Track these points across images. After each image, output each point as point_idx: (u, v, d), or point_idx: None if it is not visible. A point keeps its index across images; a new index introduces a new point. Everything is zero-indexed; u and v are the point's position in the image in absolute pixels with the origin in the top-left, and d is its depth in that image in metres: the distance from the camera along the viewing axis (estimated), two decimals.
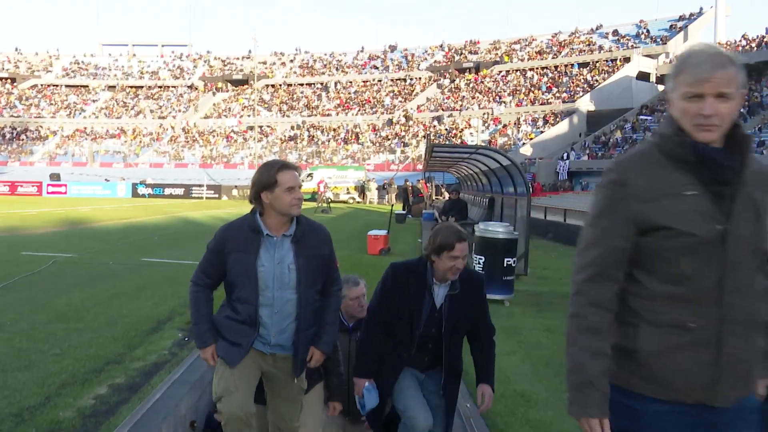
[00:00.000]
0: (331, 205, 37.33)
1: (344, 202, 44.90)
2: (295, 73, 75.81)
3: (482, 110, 57.19)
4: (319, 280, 3.49)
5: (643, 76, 54.09)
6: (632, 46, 56.80)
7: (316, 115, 66.55)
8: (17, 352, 6.05)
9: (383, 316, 3.75)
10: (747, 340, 1.99)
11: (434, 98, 63.49)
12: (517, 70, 62.49)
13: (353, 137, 61.17)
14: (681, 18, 58.30)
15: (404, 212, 30.08)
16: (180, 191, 50.03)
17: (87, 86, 78.42)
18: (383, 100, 66.18)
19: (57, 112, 73.97)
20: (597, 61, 57.07)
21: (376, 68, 72.68)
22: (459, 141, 52.00)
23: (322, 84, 72.66)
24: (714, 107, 1.94)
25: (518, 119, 54.30)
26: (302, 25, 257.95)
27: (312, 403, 3.96)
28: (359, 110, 65.64)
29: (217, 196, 48.69)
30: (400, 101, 65.05)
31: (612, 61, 56.04)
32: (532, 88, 57.98)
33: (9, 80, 78.58)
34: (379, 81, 70.35)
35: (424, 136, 55.43)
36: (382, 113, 63.61)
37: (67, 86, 78.64)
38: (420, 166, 47.79)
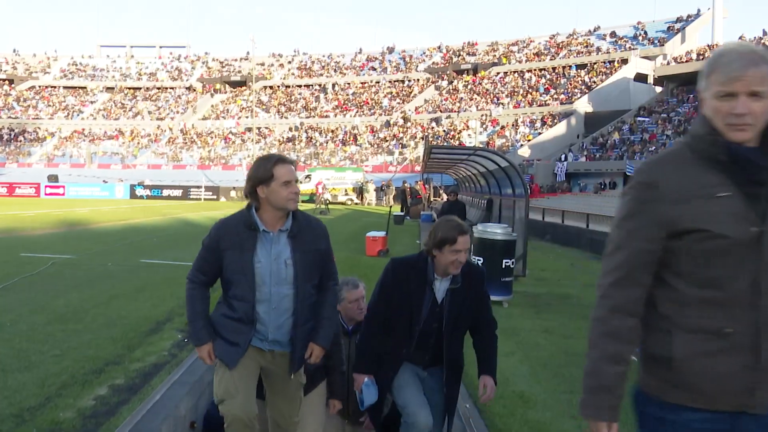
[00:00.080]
0: (330, 206, 37.35)
1: (342, 203, 44.93)
2: (293, 74, 75.85)
3: (480, 112, 57.26)
4: (316, 275, 3.46)
5: (641, 78, 54.20)
6: (630, 47, 56.91)
7: (314, 117, 66.59)
8: (17, 353, 6.05)
9: (383, 313, 3.72)
10: None
11: (432, 100, 63.55)
12: (514, 72, 62.57)
13: (351, 139, 61.21)
14: (678, 20, 58.42)
15: (402, 214, 30.10)
16: (178, 192, 50.06)
17: (85, 87, 78.40)
18: (381, 101, 66.24)
19: (55, 113, 73.94)
20: (595, 63, 57.19)
21: (374, 70, 72.72)
22: (457, 142, 52.05)
23: (320, 85, 72.72)
24: (747, 106, 1.89)
25: (516, 121, 54.38)
26: (300, 26, 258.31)
27: (313, 402, 3.95)
28: (357, 112, 65.69)
29: (215, 197, 48.72)
30: (398, 103, 65.10)
31: (610, 62, 56.14)
32: (530, 90, 58.07)
33: (7, 81, 78.55)
34: (377, 82, 70.41)
35: (422, 138, 55.50)
36: (380, 115, 63.67)
37: (65, 87, 78.62)
38: (418, 168, 47.85)
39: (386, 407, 4.02)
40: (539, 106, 54.86)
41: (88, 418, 4.59)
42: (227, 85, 76.28)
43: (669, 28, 57.74)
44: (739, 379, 1.91)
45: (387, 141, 58.83)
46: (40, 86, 78.83)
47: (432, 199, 33.48)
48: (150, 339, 6.83)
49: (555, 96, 55.24)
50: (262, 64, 77.22)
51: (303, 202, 37.51)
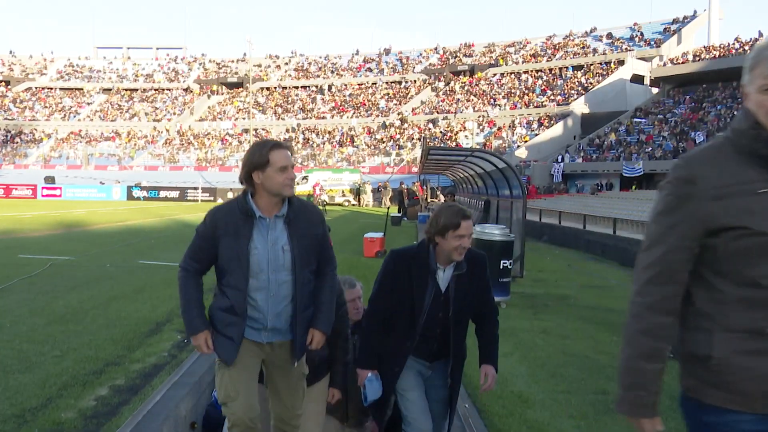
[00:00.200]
0: (327, 207, 37.38)
1: (339, 204, 44.96)
2: (290, 75, 75.84)
3: (477, 113, 57.31)
4: (313, 260, 3.40)
5: (637, 79, 54.32)
6: (626, 49, 57.01)
7: (311, 118, 66.60)
8: (17, 354, 6.08)
9: (385, 306, 3.64)
10: None
11: (429, 101, 63.60)
12: (511, 73, 62.63)
13: (348, 140, 61.23)
14: (675, 21, 58.55)
15: (399, 215, 30.14)
16: (175, 194, 50.06)
17: (81, 89, 78.27)
18: (378, 102, 66.27)
19: (51, 114, 73.82)
20: (591, 64, 57.27)
21: (371, 71, 72.77)
22: (454, 144, 52.09)
23: (317, 87, 72.71)
24: None
25: (513, 122, 54.44)
26: (297, 28, 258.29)
27: (315, 395, 3.90)
28: (354, 113, 65.71)
29: (212, 198, 48.71)
30: (395, 104, 65.14)
31: (606, 63, 56.23)
32: (527, 91, 58.13)
33: (3, 83, 78.39)
34: (374, 84, 70.43)
35: (419, 139, 55.53)
36: (377, 116, 63.70)
37: (61, 89, 78.48)
38: (415, 169, 47.90)
39: (389, 408, 3.98)
40: (536, 107, 54.93)
41: (89, 418, 4.62)
42: (224, 87, 76.21)
43: (665, 29, 57.86)
44: None
45: (384, 142, 58.86)
46: (36, 88, 78.70)
47: (429, 200, 33.50)
48: (150, 340, 6.86)
49: (552, 97, 55.32)
50: (259, 66, 77.18)
51: None
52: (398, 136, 58.79)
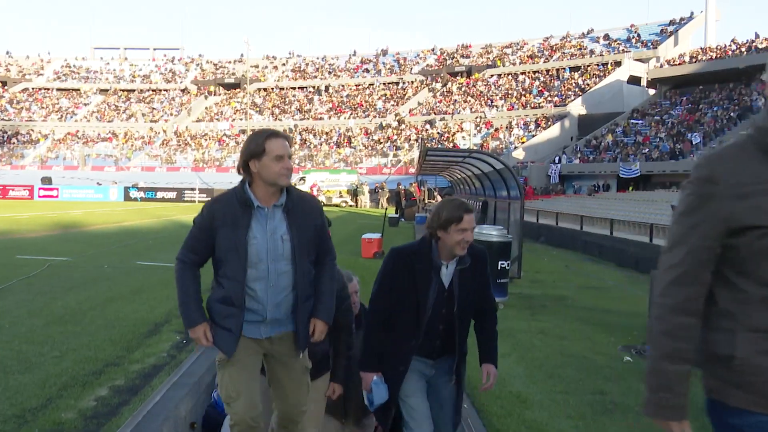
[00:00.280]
0: (324, 208, 37.30)
1: (337, 205, 44.96)
2: (287, 76, 75.82)
3: (474, 114, 57.36)
4: (313, 250, 3.38)
5: (634, 80, 54.38)
6: (623, 50, 57.09)
7: (308, 119, 66.60)
8: (17, 354, 6.10)
9: (387, 305, 3.58)
10: None
11: (426, 102, 63.64)
12: (508, 74, 62.68)
13: (345, 141, 61.25)
14: (671, 22, 58.65)
15: (397, 216, 30.16)
16: (172, 195, 50.02)
17: (78, 90, 78.15)
18: (375, 103, 66.29)
19: (48, 115, 73.70)
20: (588, 65, 57.34)
21: (368, 72, 72.80)
22: (451, 144, 52.13)
23: (314, 88, 72.71)
24: None
25: (510, 123, 54.51)
26: (294, 29, 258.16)
27: (315, 396, 3.86)
28: (351, 114, 65.73)
29: (209, 199, 48.62)
30: (392, 105, 65.16)
31: (603, 65, 56.30)
32: (524, 92, 58.20)
33: (0, 84, 78.26)
34: (371, 85, 70.45)
35: (417, 140, 55.56)
36: (375, 117, 63.72)
37: (58, 90, 78.35)
38: (412, 170, 47.91)
39: (393, 409, 3.89)
40: (533, 108, 54.99)
41: (89, 418, 4.63)
42: (221, 88, 76.14)
43: (662, 30, 57.96)
44: None
45: (381, 143, 58.89)
46: (33, 88, 78.55)
47: (426, 201, 33.55)
48: (148, 341, 6.88)
49: (549, 98, 55.39)
50: (256, 67, 77.18)
51: None
52: (395, 137, 58.82)
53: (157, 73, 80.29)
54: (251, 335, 3.32)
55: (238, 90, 74.61)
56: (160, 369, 5.90)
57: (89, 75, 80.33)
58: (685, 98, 46.90)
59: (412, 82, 68.27)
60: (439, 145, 50.09)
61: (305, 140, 62.52)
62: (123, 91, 77.69)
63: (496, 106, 57.61)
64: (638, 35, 59.00)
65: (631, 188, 37.97)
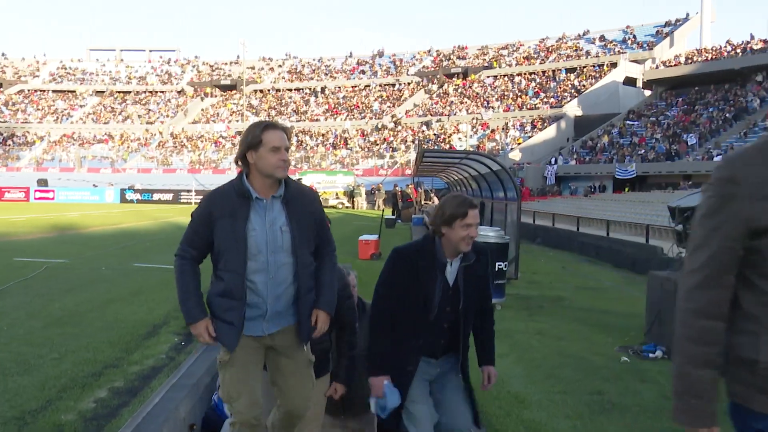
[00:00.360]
0: None
1: (333, 207, 44.95)
2: (283, 78, 75.84)
3: (471, 115, 57.44)
4: (312, 241, 3.35)
5: (630, 82, 54.51)
6: (619, 51, 57.23)
7: (304, 120, 66.60)
8: (16, 356, 6.10)
9: (392, 306, 3.50)
10: None
11: (422, 103, 63.69)
12: (504, 75, 62.79)
13: (342, 142, 61.26)
14: (667, 24, 58.83)
15: (394, 217, 30.17)
16: (169, 197, 49.98)
17: (74, 91, 78.06)
18: (372, 105, 66.34)
19: (44, 117, 73.60)
20: (584, 67, 57.46)
21: (364, 73, 72.85)
22: (447, 146, 52.17)
23: (310, 89, 72.73)
24: None
25: (506, 124, 54.59)
26: (291, 30, 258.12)
27: (316, 398, 3.83)
28: (348, 115, 65.76)
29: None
30: (389, 106, 65.21)
31: (599, 66, 56.43)
32: (520, 93, 58.30)
33: None
34: (368, 86, 70.51)
35: (413, 142, 55.63)
36: (371, 118, 63.76)
37: (54, 91, 78.24)
38: (408, 171, 47.93)
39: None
40: (529, 109, 55.09)
41: (89, 420, 4.64)
42: (217, 89, 76.13)
43: (658, 32, 58.12)
44: None
45: (377, 144, 58.91)
46: (29, 90, 78.43)
47: (423, 202, 33.58)
48: (147, 342, 6.88)
49: (545, 99, 55.50)
50: (253, 68, 77.18)
51: None
52: (392, 139, 58.85)
53: (153, 74, 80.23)
54: (253, 333, 3.29)
55: (234, 91, 74.57)
56: (159, 371, 5.91)
57: (85, 77, 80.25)
58: (680, 99, 47.03)
59: (409, 83, 68.33)
60: (436, 147, 50.12)
61: (302, 142, 62.50)
62: (119, 92, 77.62)
63: (493, 107, 57.68)
64: (634, 36, 59.17)
65: (627, 189, 38.06)
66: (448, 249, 3.47)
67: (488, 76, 63.62)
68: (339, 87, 71.78)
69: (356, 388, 4.18)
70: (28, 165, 64.25)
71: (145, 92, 77.64)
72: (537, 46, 65.22)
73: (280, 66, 78.27)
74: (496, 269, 9.80)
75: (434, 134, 56.34)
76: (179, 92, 76.61)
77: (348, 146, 60.33)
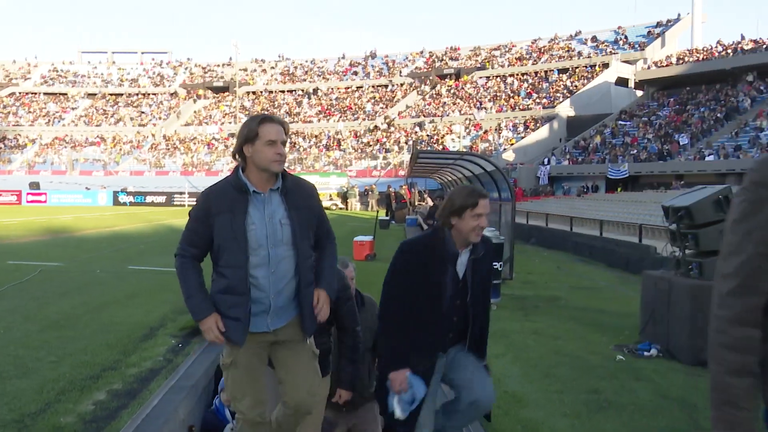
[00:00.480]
0: None
1: (327, 208, 44.77)
2: (276, 79, 75.79)
3: (463, 116, 57.52)
4: (312, 233, 3.33)
5: (622, 82, 54.71)
6: (611, 52, 57.42)
7: (297, 122, 66.52)
8: (13, 359, 6.09)
9: (401, 301, 3.44)
10: None
11: (415, 104, 63.74)
12: (497, 76, 62.92)
13: (335, 144, 61.25)
14: (659, 24, 59.05)
15: (388, 218, 30.19)
16: (162, 199, 49.85)
17: (66, 94, 77.81)
18: (365, 106, 66.36)
19: (35, 120, 73.32)
20: (576, 67, 57.62)
21: (357, 75, 72.87)
22: (441, 147, 52.23)
23: (303, 91, 72.70)
24: None
25: (499, 125, 54.68)
26: (283, 32, 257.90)
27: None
28: (341, 117, 65.76)
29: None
30: (382, 107, 65.24)
31: (591, 66, 56.59)
32: (513, 94, 58.42)
33: None
34: (360, 87, 70.54)
35: (406, 142, 55.68)
36: (364, 119, 63.78)
37: (45, 94, 77.97)
38: (402, 172, 47.98)
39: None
40: (522, 110, 55.21)
41: (88, 422, 4.64)
42: (210, 91, 76.01)
43: (649, 32, 58.33)
44: None
45: (370, 146, 58.93)
46: (20, 93, 78.13)
47: (417, 203, 33.61)
48: (144, 345, 6.88)
49: (537, 100, 55.63)
50: (245, 70, 77.12)
51: None
52: (385, 140, 58.88)
53: (146, 76, 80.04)
54: (258, 329, 3.26)
55: (227, 93, 74.47)
56: (157, 373, 5.91)
57: (77, 79, 79.99)
58: (672, 99, 47.22)
59: (401, 84, 68.39)
60: (429, 148, 50.17)
61: (294, 143, 62.43)
62: (111, 95, 77.40)
63: (485, 108, 57.77)
64: (625, 37, 59.37)
65: (619, 189, 38.19)
66: (458, 240, 3.42)
67: (481, 77, 63.74)
68: (332, 88, 71.78)
69: (360, 388, 4.19)
70: (20, 168, 64.01)
71: (137, 94, 77.45)
72: (529, 46, 65.37)
73: (272, 67, 78.22)
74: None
75: (427, 135, 56.39)
76: (171, 94, 76.44)
77: (341, 148, 60.32)
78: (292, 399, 3.42)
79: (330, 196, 46.94)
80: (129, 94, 77.54)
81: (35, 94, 78.07)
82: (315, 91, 71.86)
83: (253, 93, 74.28)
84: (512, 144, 50.47)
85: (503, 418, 5.05)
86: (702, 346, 6.70)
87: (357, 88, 70.74)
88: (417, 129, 58.42)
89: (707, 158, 35.73)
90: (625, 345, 7.45)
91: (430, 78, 66.55)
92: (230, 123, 67.66)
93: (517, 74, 61.44)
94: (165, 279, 11.22)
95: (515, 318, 9.20)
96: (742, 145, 35.31)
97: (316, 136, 63.58)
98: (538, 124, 52.01)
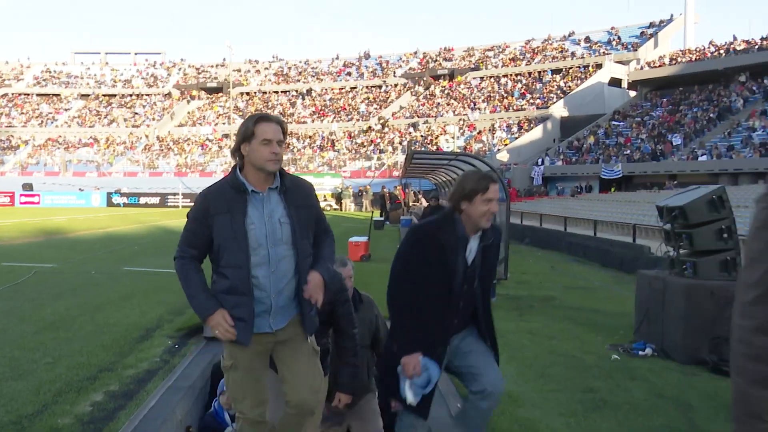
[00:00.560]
0: None
1: (321, 209, 44.84)
2: (270, 80, 75.73)
3: (457, 116, 57.59)
4: (311, 232, 3.32)
5: (615, 82, 54.89)
6: (604, 52, 57.59)
7: (291, 123, 66.48)
8: (9, 361, 6.09)
9: (412, 285, 3.41)
10: None
11: (409, 105, 63.80)
12: (491, 77, 63.02)
13: (329, 144, 61.25)
14: (651, 25, 59.25)
15: (382, 219, 30.20)
16: (155, 200, 49.76)
17: (59, 95, 77.55)
18: (359, 107, 66.38)
19: (28, 121, 73.09)
20: (570, 68, 57.76)
21: (351, 75, 72.87)
22: (435, 147, 52.28)
23: (297, 91, 72.67)
24: None
25: (493, 125, 54.75)
26: (277, 32, 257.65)
27: None
28: (335, 117, 65.76)
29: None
30: (376, 108, 65.27)
31: (584, 67, 56.74)
32: (506, 95, 58.52)
33: None
34: (354, 88, 70.56)
35: (400, 143, 55.71)
36: (358, 120, 63.80)
37: (38, 95, 77.72)
38: (396, 173, 47.97)
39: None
40: (515, 110, 55.31)
41: (86, 423, 4.65)
42: (204, 92, 75.90)
43: (642, 33, 58.52)
44: None
45: (365, 146, 58.95)
46: (13, 94, 77.85)
47: (411, 204, 33.66)
48: (141, 346, 6.88)
49: (531, 101, 55.75)
50: (239, 71, 77.01)
51: None
52: (379, 141, 58.91)
53: (139, 77, 79.86)
54: (260, 330, 3.25)
55: (220, 94, 74.37)
56: (154, 374, 5.92)
57: (70, 80, 79.75)
58: (665, 100, 47.39)
59: (395, 85, 68.44)
60: (423, 148, 50.22)
61: (288, 144, 62.39)
62: (104, 96, 77.20)
63: (479, 108, 57.86)
64: (618, 38, 59.54)
65: (613, 189, 38.32)
66: (468, 225, 3.39)
67: (474, 78, 63.84)
68: (326, 89, 71.78)
69: (359, 389, 4.20)
70: (13, 169, 63.77)
71: (130, 95, 77.27)
72: (523, 47, 65.50)
73: (266, 68, 78.16)
74: None
75: (421, 136, 56.44)
76: (165, 95, 76.30)
77: (335, 148, 60.32)
78: (294, 397, 3.38)
79: (324, 196, 46.91)
80: (122, 95, 77.37)
81: (28, 95, 77.81)
82: (309, 91, 71.85)
83: (247, 94, 74.22)
84: (506, 144, 50.56)
85: (499, 417, 5.07)
86: (697, 346, 6.75)
87: (351, 88, 70.76)
88: (411, 130, 58.47)
89: (700, 158, 35.87)
90: (620, 344, 7.49)
91: (424, 79, 66.62)
92: (224, 124, 67.57)
93: (511, 75, 61.56)
94: (160, 280, 11.21)
95: (510, 318, 9.22)
96: (734, 145, 35.48)
97: (310, 137, 63.56)
98: (531, 125, 52.12)
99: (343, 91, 70.86)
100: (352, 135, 61.91)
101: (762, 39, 45.77)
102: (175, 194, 49.77)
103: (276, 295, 3.22)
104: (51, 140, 69.58)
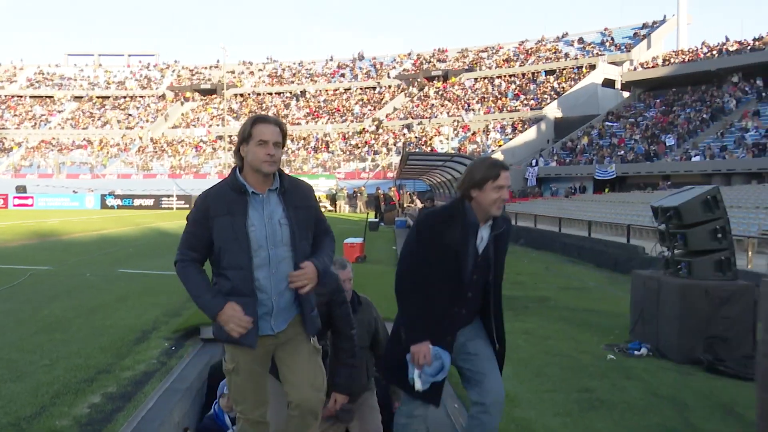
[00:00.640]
0: None
1: None
2: (264, 82, 75.69)
3: (451, 118, 57.66)
4: (310, 234, 3.30)
5: (609, 83, 55.05)
6: (597, 53, 57.76)
7: (285, 124, 66.35)
8: (7, 363, 6.09)
9: (421, 271, 3.36)
10: None
11: (403, 106, 63.84)
12: (485, 78, 63.13)
13: (323, 146, 61.24)
14: (644, 26, 59.45)
15: (377, 220, 30.20)
16: (149, 202, 49.63)
17: (52, 97, 77.37)
18: (353, 108, 66.39)
19: (21, 123, 72.88)
20: (563, 69, 57.91)
21: (345, 77, 72.88)
22: (429, 149, 52.34)
23: (291, 93, 72.64)
24: None
25: (487, 126, 54.84)
26: (271, 34, 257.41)
27: None
28: (329, 119, 65.76)
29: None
30: (370, 109, 65.30)
31: (578, 68, 56.89)
32: (500, 96, 58.62)
33: None
34: (348, 89, 70.58)
35: (395, 144, 55.74)
36: (352, 121, 63.80)
37: (31, 97, 77.53)
38: (390, 174, 48.03)
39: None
40: (509, 111, 55.40)
41: (84, 425, 4.65)
42: (197, 94, 75.81)
43: (635, 34, 58.72)
44: None
45: (359, 148, 58.96)
46: (6, 96, 77.63)
47: (406, 205, 33.67)
48: (137, 348, 6.88)
49: (525, 102, 55.86)
50: (233, 72, 76.95)
51: None
52: (373, 142, 58.93)
53: (132, 79, 79.72)
54: (263, 332, 3.23)
55: (214, 96, 74.30)
56: (151, 375, 5.92)
57: (63, 82, 79.55)
58: (658, 100, 47.56)
59: (389, 86, 68.49)
60: (417, 149, 50.26)
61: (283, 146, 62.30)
62: (98, 98, 77.05)
63: (473, 109, 57.95)
64: (612, 39, 59.72)
65: (607, 190, 38.44)
66: (478, 213, 3.35)
67: (468, 79, 63.93)
68: (320, 90, 71.78)
69: (356, 390, 4.21)
70: (6, 171, 63.54)
71: (124, 97, 77.14)
72: (516, 48, 65.63)
73: (260, 70, 78.12)
74: None
75: (415, 137, 56.48)
76: (159, 97, 76.19)
77: (329, 150, 60.31)
78: (296, 396, 3.36)
79: (319, 198, 46.78)
80: (116, 96, 77.22)
81: (21, 97, 77.60)
82: (303, 93, 71.83)
83: (241, 95, 74.17)
84: (500, 145, 50.64)
85: None
86: (692, 345, 6.79)
87: (345, 90, 70.77)
88: (405, 131, 58.51)
89: (693, 159, 36.02)
90: (616, 344, 7.52)
91: (418, 80, 66.68)
92: (218, 125, 67.50)
93: (505, 76, 61.69)
94: (155, 282, 11.21)
95: (505, 318, 9.01)
96: (727, 146, 35.62)
97: (304, 138, 63.54)
98: (525, 126, 52.22)
99: (337, 92, 70.87)
100: (347, 136, 61.92)
101: (754, 40, 45.98)
102: (169, 196, 49.66)
103: (277, 296, 3.22)
104: (44, 142, 69.39)
